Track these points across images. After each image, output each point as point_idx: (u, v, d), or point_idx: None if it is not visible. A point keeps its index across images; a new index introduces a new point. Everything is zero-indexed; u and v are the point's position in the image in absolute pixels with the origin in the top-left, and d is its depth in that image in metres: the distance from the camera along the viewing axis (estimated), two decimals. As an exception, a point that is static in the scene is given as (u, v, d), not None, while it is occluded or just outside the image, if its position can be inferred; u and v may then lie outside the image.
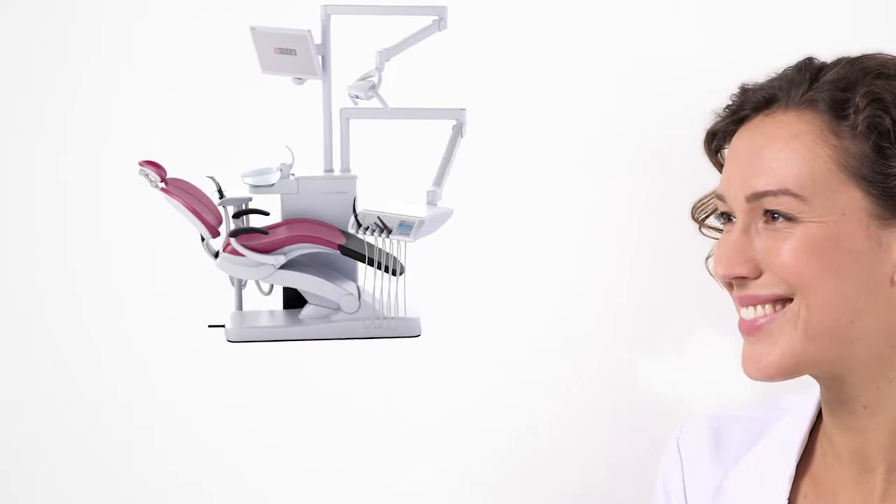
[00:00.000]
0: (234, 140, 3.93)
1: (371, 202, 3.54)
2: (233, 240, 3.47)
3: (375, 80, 3.36)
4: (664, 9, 3.99)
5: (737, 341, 1.12)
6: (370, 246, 3.44)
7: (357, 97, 3.39)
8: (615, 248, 3.81)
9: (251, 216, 3.67)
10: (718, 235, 1.14)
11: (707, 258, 1.19)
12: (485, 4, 3.95)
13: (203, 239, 3.51)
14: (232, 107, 3.96)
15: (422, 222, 3.30)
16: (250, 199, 3.68)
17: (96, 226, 3.90)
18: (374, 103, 3.40)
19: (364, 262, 3.47)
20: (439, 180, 3.49)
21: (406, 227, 3.30)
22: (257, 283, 3.66)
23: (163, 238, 3.77)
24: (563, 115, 3.95)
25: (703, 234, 1.21)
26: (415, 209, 3.39)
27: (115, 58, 3.98)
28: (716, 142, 1.15)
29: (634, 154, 3.87)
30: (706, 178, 1.23)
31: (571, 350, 3.57)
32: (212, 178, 3.64)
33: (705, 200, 1.20)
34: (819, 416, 1.19)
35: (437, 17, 3.61)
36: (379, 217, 3.32)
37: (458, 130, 3.58)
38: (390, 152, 3.86)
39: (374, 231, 3.35)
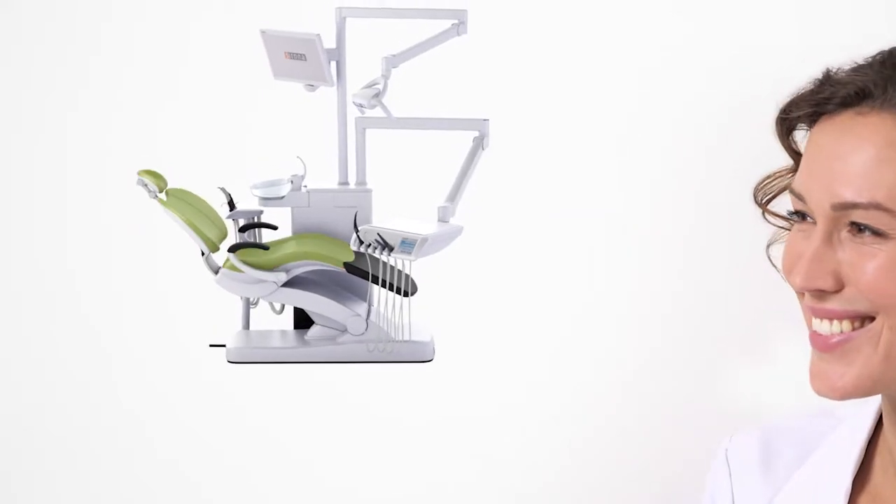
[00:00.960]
0: (246, 150, 3.76)
1: (383, 217, 3.34)
2: (231, 255, 3.29)
3: (381, 87, 3.15)
4: (687, 7, 3.76)
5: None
6: (383, 265, 3.22)
7: (361, 106, 3.19)
8: (640, 263, 3.58)
9: (262, 230, 3.49)
10: (783, 223, 1.07)
11: (768, 245, 1.11)
12: (506, 8, 3.72)
13: (203, 253, 3.34)
14: (245, 115, 3.80)
15: (424, 240, 3.09)
16: (261, 212, 3.50)
17: (107, 236, 3.77)
18: (379, 112, 3.19)
19: (369, 280, 3.26)
20: (453, 196, 3.27)
21: (408, 244, 3.09)
22: (270, 301, 3.48)
23: (181, 249, 3.59)
24: (588, 123, 3.73)
25: (767, 221, 1.11)
26: (421, 226, 3.18)
27: (125, 65, 3.85)
28: (788, 123, 1.05)
29: (669, 162, 3.64)
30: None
31: (599, 370, 3.35)
32: (223, 189, 3.48)
33: (769, 182, 1.10)
34: (878, 427, 1.11)
35: (456, 21, 3.40)
36: (379, 234, 3.11)
37: (479, 142, 3.36)
38: (411, 164, 3.65)
39: (375, 248, 3.14)
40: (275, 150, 3.64)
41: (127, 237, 3.74)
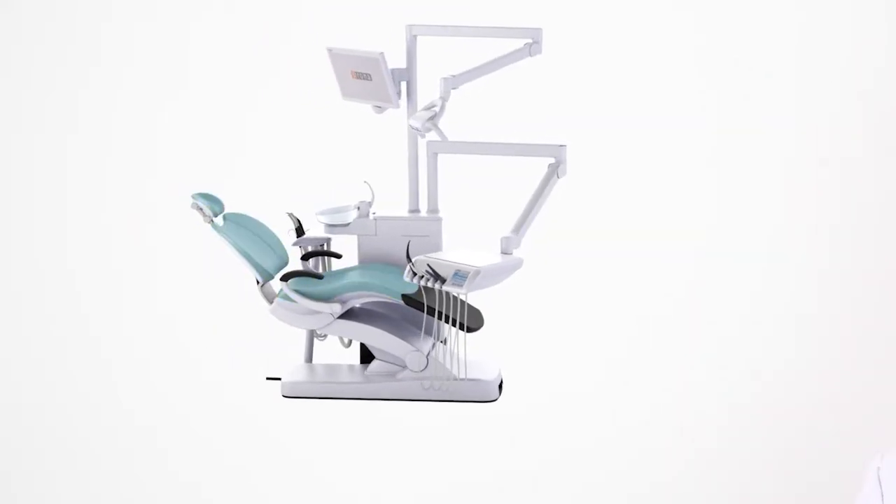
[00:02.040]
0: (317, 175, 3.61)
1: (450, 247, 3.16)
2: (284, 284, 3.13)
3: (437, 109, 2.97)
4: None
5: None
6: (444, 297, 3.01)
7: (416, 129, 3.01)
8: (742, 280, 3.39)
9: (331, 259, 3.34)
10: None
11: None
12: (581, 26, 3.50)
13: (258, 282, 3.20)
14: (316, 138, 3.66)
15: (477, 272, 2.88)
16: (329, 240, 3.34)
17: (183, 260, 3.66)
18: (434, 136, 3.00)
19: (424, 312, 3.06)
20: (519, 226, 3.04)
21: (460, 276, 2.89)
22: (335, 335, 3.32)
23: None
24: (675, 143, 3.49)
25: None
26: (477, 257, 2.97)
27: (183, 87, 3.76)
28: None
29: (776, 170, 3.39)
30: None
31: (687, 404, 3.13)
32: (290, 214, 3.33)
33: None
34: None
35: (529, 41, 3.19)
36: (429, 265, 2.92)
37: (553, 170, 3.13)
38: (490, 191, 3.46)
39: (427, 280, 2.95)
40: (343, 175, 3.48)
41: (194, 261, 3.63)
